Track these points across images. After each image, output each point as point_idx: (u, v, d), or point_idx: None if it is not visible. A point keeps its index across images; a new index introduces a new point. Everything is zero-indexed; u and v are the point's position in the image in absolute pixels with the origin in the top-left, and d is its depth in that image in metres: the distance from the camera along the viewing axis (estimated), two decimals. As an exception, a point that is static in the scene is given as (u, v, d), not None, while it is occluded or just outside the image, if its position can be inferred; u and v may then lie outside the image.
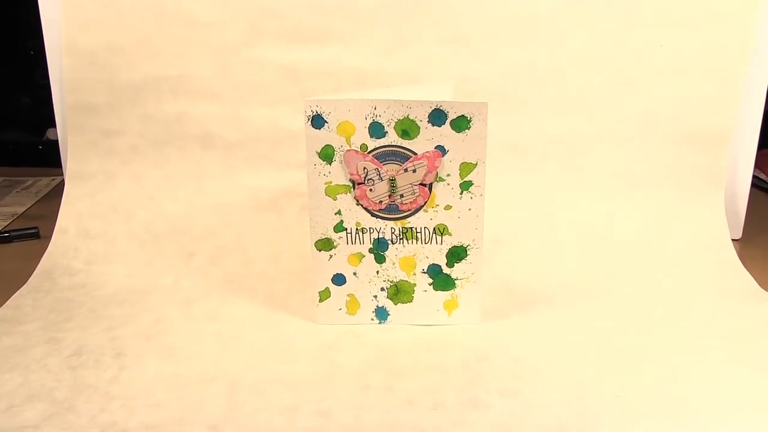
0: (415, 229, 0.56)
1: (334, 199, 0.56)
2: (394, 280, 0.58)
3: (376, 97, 0.53)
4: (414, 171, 0.54)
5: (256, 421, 0.46)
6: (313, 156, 0.55)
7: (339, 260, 0.57)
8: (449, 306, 0.58)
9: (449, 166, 0.54)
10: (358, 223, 0.56)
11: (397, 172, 0.55)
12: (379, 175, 0.55)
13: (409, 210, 0.56)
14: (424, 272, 0.58)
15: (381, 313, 0.59)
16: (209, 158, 0.75)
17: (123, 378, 0.51)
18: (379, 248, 0.57)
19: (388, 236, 0.57)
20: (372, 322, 0.59)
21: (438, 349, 0.55)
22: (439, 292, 0.58)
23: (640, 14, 0.71)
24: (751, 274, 0.68)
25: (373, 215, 0.56)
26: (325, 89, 0.73)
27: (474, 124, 0.53)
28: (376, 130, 0.53)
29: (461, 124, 0.53)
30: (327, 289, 0.58)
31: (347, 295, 0.58)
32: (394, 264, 0.58)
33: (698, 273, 0.68)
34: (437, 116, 0.53)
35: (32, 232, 0.77)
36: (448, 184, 0.55)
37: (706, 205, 0.73)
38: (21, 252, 0.74)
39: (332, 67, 0.73)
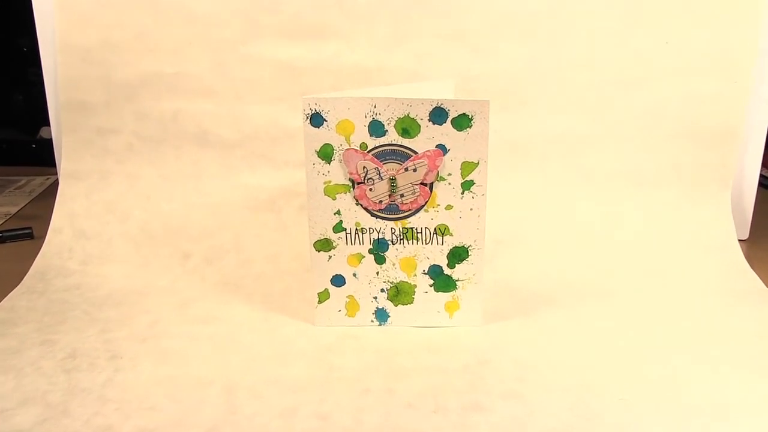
0: (416, 229, 0.56)
1: (334, 199, 0.56)
2: (395, 281, 0.58)
3: (376, 95, 0.53)
4: (414, 170, 0.54)
5: (254, 425, 0.46)
6: (312, 155, 0.55)
7: (338, 261, 0.58)
8: (450, 307, 0.59)
9: (450, 166, 0.54)
10: (357, 224, 0.56)
11: (398, 171, 0.55)
12: (379, 174, 0.55)
13: (410, 210, 0.56)
14: (424, 273, 0.58)
15: (381, 315, 0.59)
16: (206, 157, 0.75)
17: (118, 381, 0.51)
18: (379, 249, 0.57)
19: (388, 237, 0.57)
20: (372, 323, 0.59)
21: (439, 351, 0.55)
22: (440, 294, 0.58)
23: (644, 10, 0.71)
24: (758, 275, 0.68)
25: (372, 215, 0.56)
26: (324, 87, 0.73)
27: (475, 123, 0.53)
28: (376, 128, 0.54)
29: (462, 122, 0.53)
30: (326, 290, 0.58)
31: (347, 297, 0.59)
32: (394, 265, 0.58)
33: (704, 274, 0.68)
34: (438, 114, 0.53)
35: (26, 233, 0.77)
36: (449, 184, 0.55)
37: (712, 205, 0.73)
38: (14, 253, 0.74)
39: (331, 64, 0.73)
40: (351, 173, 0.55)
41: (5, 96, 1.02)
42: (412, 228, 0.56)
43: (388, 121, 0.53)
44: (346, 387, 0.50)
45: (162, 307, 0.62)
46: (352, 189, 0.55)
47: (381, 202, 0.56)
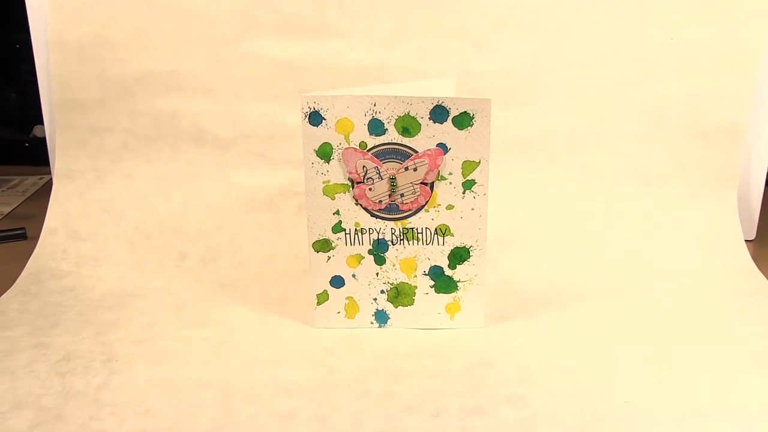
0: (416, 229, 0.57)
1: (333, 199, 0.56)
2: (395, 283, 0.58)
3: (376, 93, 0.53)
4: (415, 169, 0.55)
5: (252, 429, 0.46)
6: (311, 154, 0.55)
7: (337, 262, 0.58)
8: (451, 309, 0.59)
9: (451, 165, 0.54)
10: (357, 224, 0.57)
11: (398, 170, 0.55)
12: (379, 173, 0.55)
13: (410, 210, 0.56)
14: (425, 274, 0.58)
15: (381, 317, 0.59)
16: (203, 156, 0.75)
17: (113, 384, 0.51)
18: (378, 249, 0.57)
19: (388, 237, 0.57)
20: (372, 325, 0.59)
21: (440, 353, 0.55)
22: (441, 295, 0.58)
23: (649, 6, 0.71)
24: (765, 276, 0.68)
25: (372, 215, 0.56)
26: (323, 85, 0.73)
27: (477, 121, 0.53)
28: (376, 127, 0.54)
29: (464, 121, 0.53)
30: (325, 291, 0.59)
31: (346, 298, 0.59)
32: (394, 266, 0.58)
33: (710, 275, 0.68)
34: (439, 113, 0.53)
35: (19, 233, 0.77)
36: (450, 183, 0.55)
37: (718, 205, 0.73)
38: (7, 253, 0.74)
39: (330, 62, 0.73)
40: (350, 172, 0.55)
41: (-3, 94, 1.03)
42: (412, 228, 0.57)
43: (388, 120, 0.53)
44: (345, 390, 0.50)
45: (158, 308, 0.62)
46: (351, 189, 0.55)
47: (381, 201, 0.56)
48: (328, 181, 0.55)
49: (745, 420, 0.47)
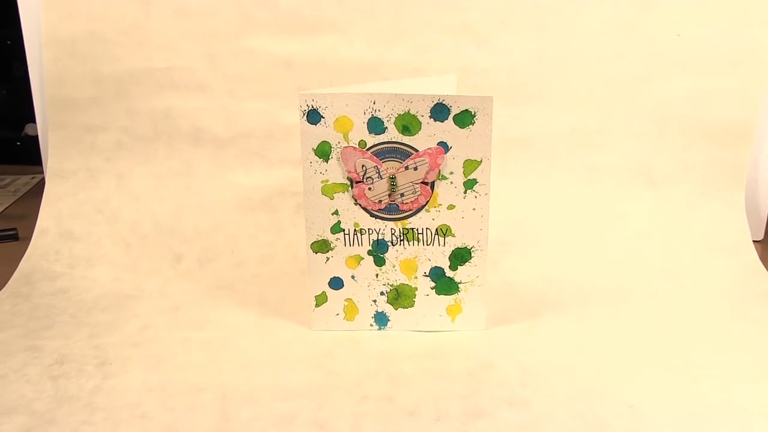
0: (417, 230, 0.57)
1: (331, 199, 0.56)
2: (395, 284, 0.58)
3: (376, 91, 0.53)
4: (415, 169, 0.55)
5: (249, 433, 0.46)
6: (309, 153, 0.55)
7: (336, 263, 0.58)
8: (452, 311, 0.59)
9: (452, 164, 0.55)
10: (356, 224, 0.57)
11: (398, 169, 0.55)
12: (379, 173, 0.55)
13: (410, 210, 0.56)
14: (425, 275, 0.58)
15: (380, 319, 0.59)
16: (199, 155, 0.75)
17: (107, 388, 0.51)
18: (378, 250, 0.57)
19: (388, 237, 0.57)
20: (371, 328, 0.59)
21: (441, 356, 0.55)
22: (442, 297, 0.58)
23: (654, 1, 0.71)
24: (773, 277, 0.68)
25: (372, 215, 0.57)
26: (321, 82, 0.73)
27: (478, 119, 0.53)
28: (376, 125, 0.54)
29: (465, 119, 0.53)
30: (323, 293, 0.59)
31: (345, 300, 0.59)
32: (394, 267, 0.58)
33: (717, 276, 0.68)
34: (440, 111, 0.53)
35: (11, 234, 0.77)
36: (451, 183, 0.55)
37: (725, 205, 0.74)
38: (-1, 255, 0.74)
39: (329, 59, 0.73)
40: (349, 172, 0.55)
41: (-12, 91, 1.03)
42: (412, 228, 0.57)
43: (388, 118, 0.54)
44: (344, 394, 0.50)
45: (153, 311, 0.62)
46: (350, 188, 0.56)
47: (380, 201, 0.56)
48: (327, 181, 0.56)
49: (751, 424, 0.47)
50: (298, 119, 0.54)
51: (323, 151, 0.55)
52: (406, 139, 0.54)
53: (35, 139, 0.78)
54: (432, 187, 0.55)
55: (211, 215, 0.74)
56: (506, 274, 0.68)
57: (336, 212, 0.56)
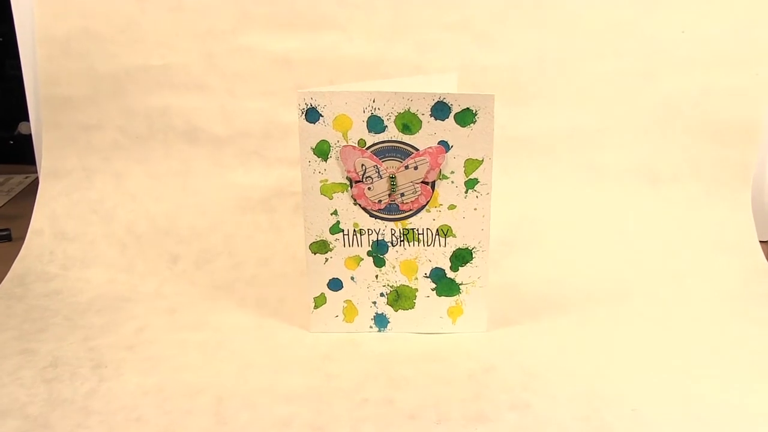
0: (417, 230, 0.57)
1: (330, 199, 0.56)
2: (395, 285, 0.58)
3: (375, 89, 0.53)
4: (415, 168, 0.55)
5: (246, 437, 0.46)
6: (308, 152, 0.55)
7: (335, 264, 0.58)
8: (453, 313, 0.59)
9: (453, 163, 0.55)
10: (355, 224, 0.57)
11: (398, 169, 0.55)
12: (378, 172, 0.55)
13: (411, 210, 0.56)
14: (426, 276, 0.58)
15: (380, 321, 0.59)
16: (196, 154, 0.76)
17: (102, 391, 0.51)
18: (378, 251, 0.58)
19: (387, 238, 0.57)
20: (371, 330, 0.60)
21: (441, 358, 0.55)
22: (443, 298, 0.59)
23: (659, -2, 0.71)
24: (779, 278, 0.68)
25: (371, 215, 0.57)
26: (320, 80, 0.73)
27: (480, 118, 0.53)
28: (375, 124, 0.54)
29: (466, 117, 0.53)
30: (322, 294, 0.59)
31: (344, 302, 0.59)
32: (394, 268, 0.58)
33: (723, 277, 0.68)
34: (440, 109, 0.53)
35: (4, 234, 0.78)
36: (452, 182, 0.55)
37: (731, 204, 0.74)
38: (-8, 256, 0.74)
39: (328, 57, 0.73)
40: (349, 171, 0.55)
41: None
42: (413, 229, 0.57)
43: (388, 117, 0.54)
44: (343, 397, 0.50)
45: (149, 313, 0.62)
46: (349, 188, 0.56)
47: (380, 201, 0.56)
48: (326, 180, 0.56)
49: (757, 429, 0.47)
50: (296, 118, 0.54)
51: (322, 151, 0.55)
52: (406, 138, 0.54)
53: (28, 138, 0.78)
54: (432, 187, 0.55)
55: (209, 215, 0.74)
56: (508, 275, 0.68)
57: (335, 212, 0.56)
